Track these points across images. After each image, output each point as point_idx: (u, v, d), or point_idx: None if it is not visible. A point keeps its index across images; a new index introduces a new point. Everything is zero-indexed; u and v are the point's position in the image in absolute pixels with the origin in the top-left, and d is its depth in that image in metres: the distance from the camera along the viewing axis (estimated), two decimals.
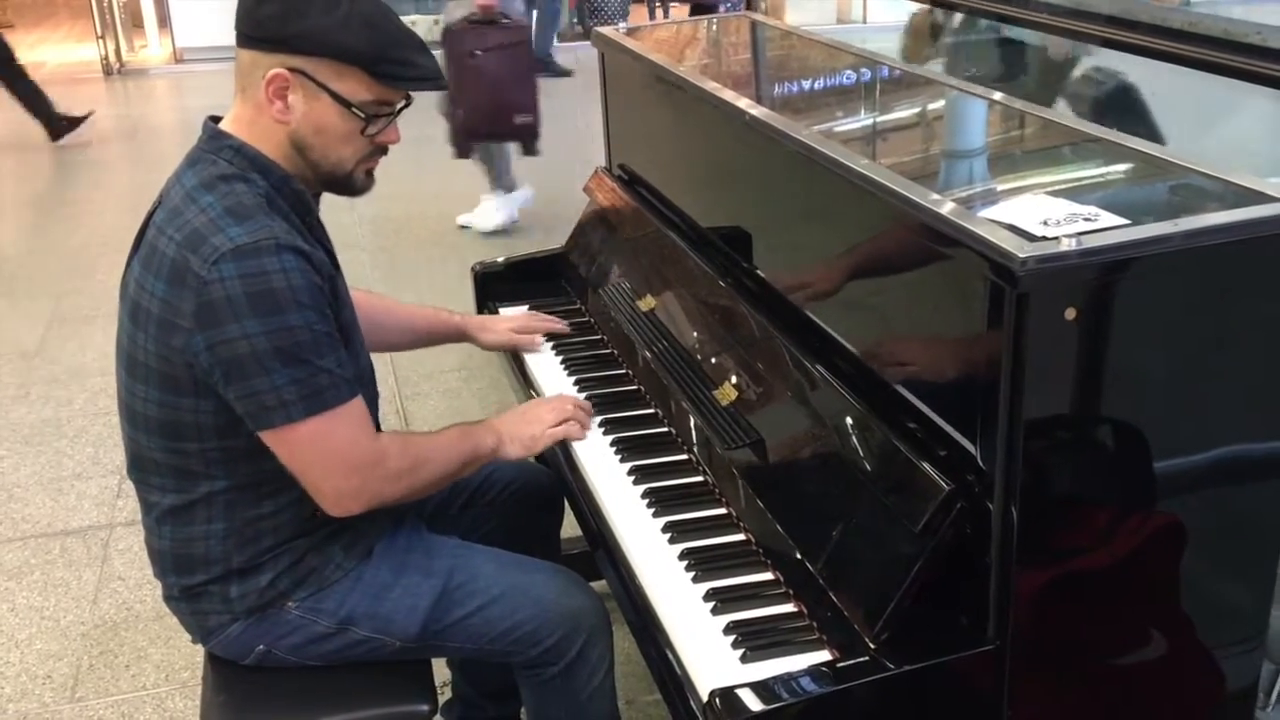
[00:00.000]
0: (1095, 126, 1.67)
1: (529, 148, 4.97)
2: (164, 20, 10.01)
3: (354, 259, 4.72)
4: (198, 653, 2.47)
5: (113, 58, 9.64)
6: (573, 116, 6.37)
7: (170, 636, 2.66)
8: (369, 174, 1.68)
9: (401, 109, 1.65)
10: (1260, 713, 2.10)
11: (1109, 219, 1.27)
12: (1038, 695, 1.40)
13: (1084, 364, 1.28)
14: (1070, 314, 1.23)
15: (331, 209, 1.72)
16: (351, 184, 1.67)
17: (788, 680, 1.34)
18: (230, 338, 1.49)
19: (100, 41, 9.52)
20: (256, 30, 1.56)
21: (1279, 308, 1.33)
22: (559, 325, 2.33)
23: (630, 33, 2.60)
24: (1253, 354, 1.34)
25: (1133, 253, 1.22)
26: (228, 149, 1.59)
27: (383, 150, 1.67)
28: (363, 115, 1.59)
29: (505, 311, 2.49)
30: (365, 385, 1.69)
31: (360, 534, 1.72)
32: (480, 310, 2.58)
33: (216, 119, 1.64)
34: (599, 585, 1.88)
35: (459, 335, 2.24)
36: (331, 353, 1.55)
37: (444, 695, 2.23)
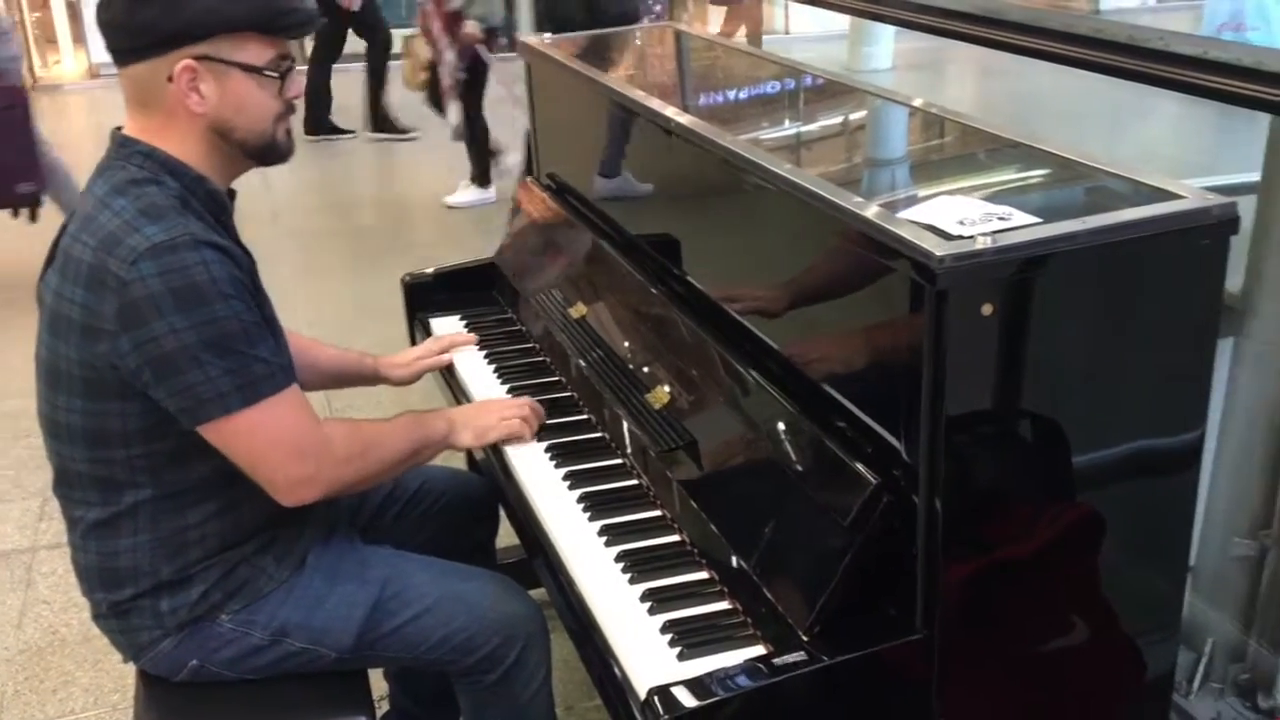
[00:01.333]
0: (1013, 131, 1.72)
1: (34, 215, 4.78)
2: (79, 36, 9.82)
3: (275, 272, 4.65)
4: (127, 674, 2.43)
5: (26, 74, 9.42)
6: (502, 126, 6.37)
7: (98, 659, 2.61)
8: (288, 134, 1.68)
9: (293, 59, 1.65)
10: (1180, 700, 2.17)
11: (1022, 218, 1.32)
12: (965, 682, 1.43)
13: (1002, 358, 1.32)
14: (987, 309, 1.27)
15: (253, 223, 1.71)
16: (278, 148, 1.66)
17: (722, 677, 1.36)
18: (157, 335, 1.48)
19: None
20: (143, 38, 1.54)
21: (1186, 302, 1.38)
22: (469, 337, 2.33)
23: (555, 43, 2.62)
24: (1162, 348, 1.39)
25: (1045, 249, 1.27)
26: (137, 154, 1.58)
27: (292, 108, 1.67)
28: (277, 74, 1.60)
29: (435, 323, 2.49)
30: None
31: (292, 544, 1.71)
32: (411, 322, 2.57)
33: (122, 129, 1.63)
34: (536, 594, 1.89)
35: (373, 377, 2.21)
36: (262, 342, 1.54)
37: (382, 708, 2.21)
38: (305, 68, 6.12)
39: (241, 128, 1.60)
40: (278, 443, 1.56)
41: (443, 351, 2.28)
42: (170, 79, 1.54)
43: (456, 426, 1.86)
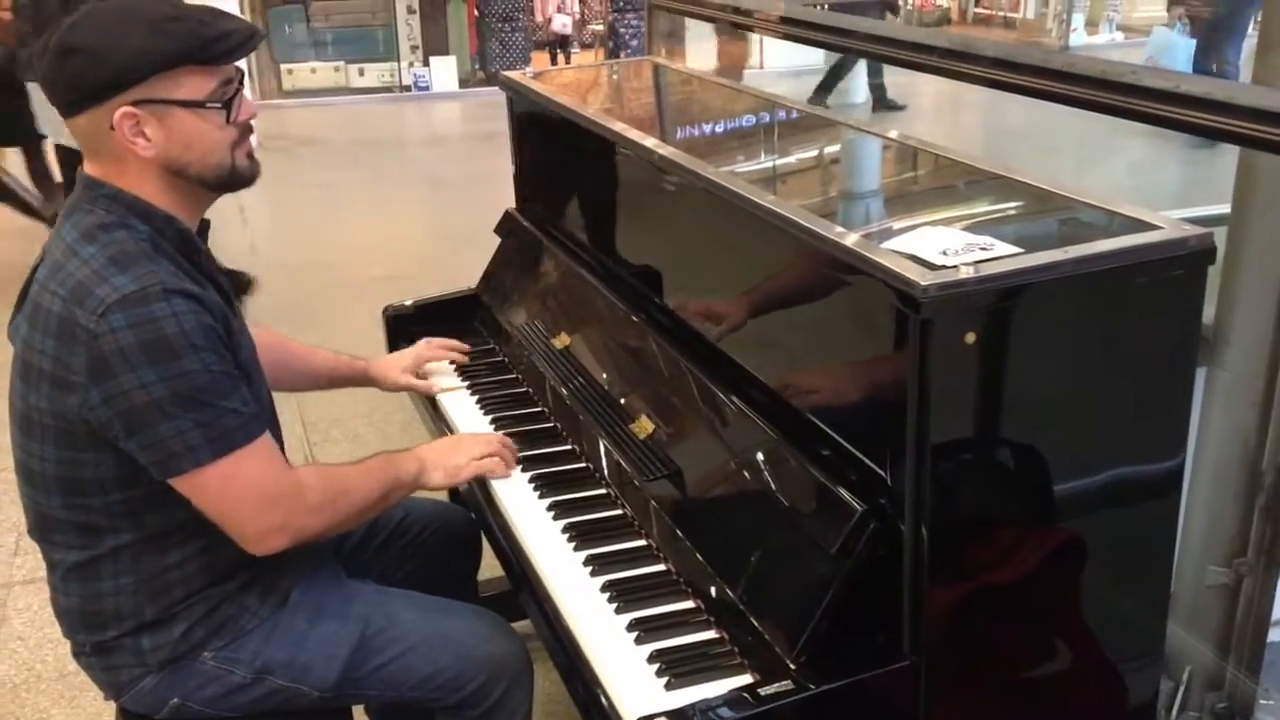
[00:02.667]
0: (990, 163, 1.75)
1: None
2: None
3: (256, 303, 4.66)
4: (104, 711, 2.40)
5: None
6: (480, 160, 6.41)
7: (74, 696, 2.57)
8: (249, 157, 1.64)
9: (241, 80, 1.61)
10: None
11: (1004, 248, 1.34)
12: (952, 708, 1.44)
13: (985, 386, 1.33)
14: (970, 338, 1.28)
15: (232, 254, 1.70)
16: (240, 174, 1.62)
17: (705, 708, 1.35)
18: (127, 389, 1.46)
19: None
20: (77, 91, 1.51)
21: (1165, 331, 1.40)
22: (457, 352, 2.35)
23: (537, 76, 2.64)
24: (1141, 376, 1.41)
25: (1027, 279, 1.29)
26: (104, 198, 1.55)
27: (249, 128, 1.63)
28: (220, 104, 1.56)
29: None
30: (269, 422, 1.68)
31: (276, 580, 1.69)
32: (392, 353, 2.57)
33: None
34: (519, 626, 1.88)
35: (363, 379, 2.24)
36: (234, 392, 1.53)
37: None
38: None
39: (195, 163, 1.56)
40: (248, 493, 1.54)
41: (431, 359, 2.32)
42: (112, 128, 1.51)
43: (428, 466, 1.83)
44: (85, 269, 1.49)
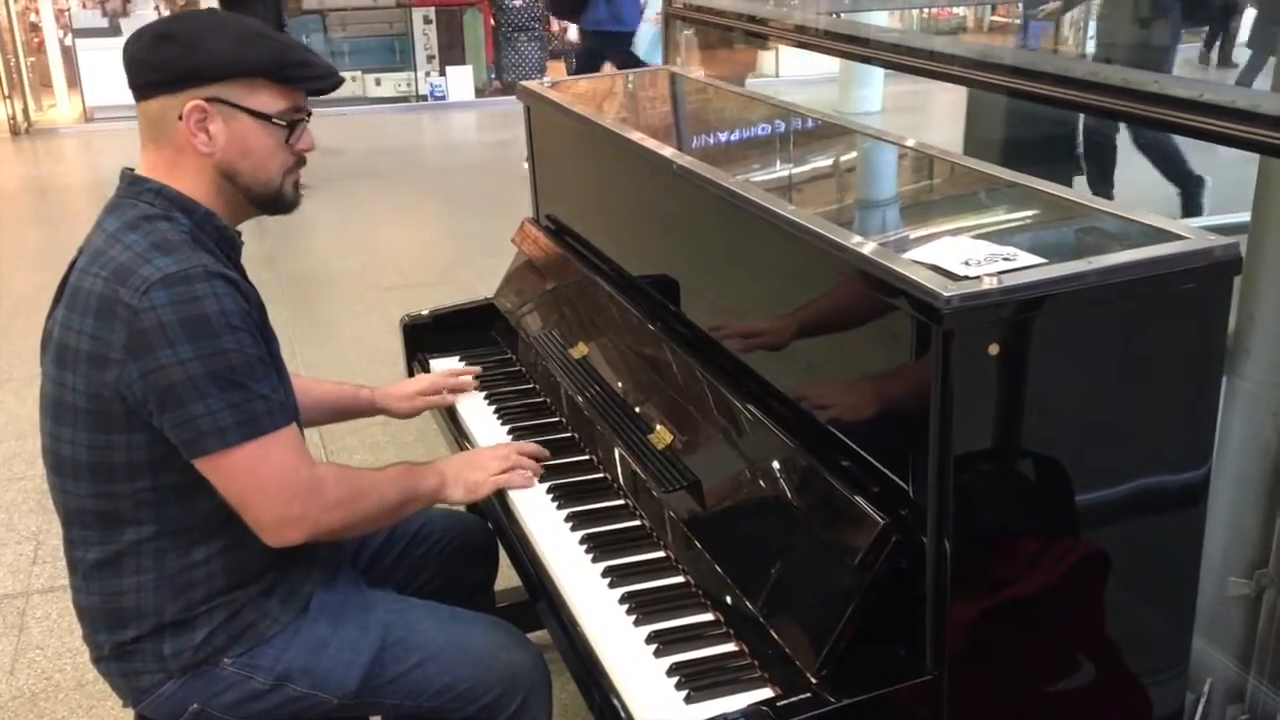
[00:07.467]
0: (1008, 172, 1.74)
1: None
2: (73, 79, 9.91)
3: (275, 314, 4.67)
4: None
5: (20, 118, 9.50)
6: (496, 170, 6.43)
7: (92, 705, 2.58)
8: (296, 186, 1.71)
9: (309, 115, 1.68)
10: None
11: (1027, 258, 1.33)
12: None
13: (1008, 398, 1.32)
14: (994, 349, 1.27)
15: (250, 265, 1.72)
16: (283, 199, 1.69)
17: None
18: (164, 364, 1.48)
19: (8, 101, 9.38)
20: (159, 74, 1.58)
21: (1190, 341, 1.39)
22: (468, 380, 2.32)
23: (554, 86, 2.65)
24: (1166, 386, 1.40)
25: (1050, 290, 1.27)
26: (148, 192, 1.60)
27: (302, 160, 1.70)
28: (284, 124, 1.63)
29: (435, 363, 2.50)
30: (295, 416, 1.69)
31: (297, 586, 1.70)
32: (410, 362, 2.58)
33: (133, 169, 1.65)
34: (536, 636, 1.88)
35: (370, 409, 2.22)
36: (266, 378, 1.55)
37: None
38: None
39: (246, 173, 1.63)
40: (270, 480, 1.56)
41: (445, 389, 2.28)
42: (180, 117, 1.57)
43: (448, 481, 1.84)
44: (128, 253, 1.53)
